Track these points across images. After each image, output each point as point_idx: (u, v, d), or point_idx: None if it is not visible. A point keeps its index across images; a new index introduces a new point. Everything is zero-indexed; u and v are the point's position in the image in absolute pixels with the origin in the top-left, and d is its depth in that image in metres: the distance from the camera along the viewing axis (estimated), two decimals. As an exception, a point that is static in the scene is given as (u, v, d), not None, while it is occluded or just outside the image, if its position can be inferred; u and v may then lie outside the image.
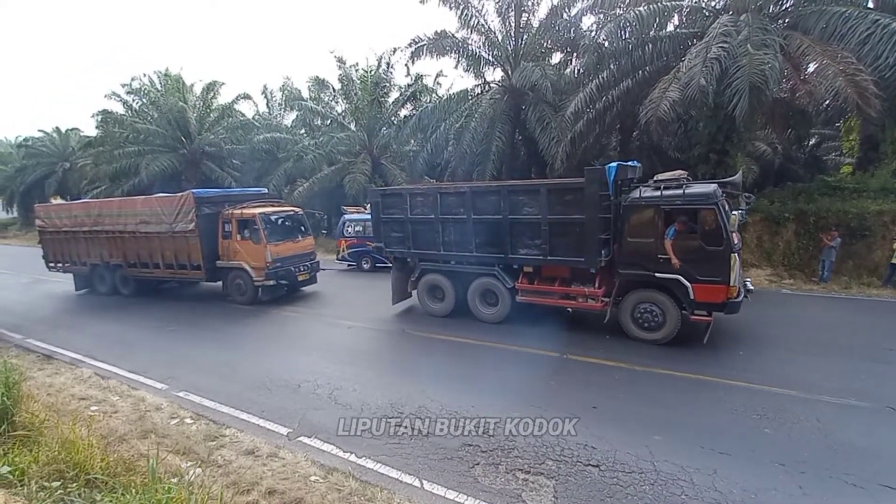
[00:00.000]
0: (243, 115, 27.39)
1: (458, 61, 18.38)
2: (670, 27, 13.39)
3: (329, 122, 24.66)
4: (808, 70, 10.62)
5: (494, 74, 18.94)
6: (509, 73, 17.65)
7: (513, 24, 17.45)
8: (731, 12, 11.67)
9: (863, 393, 5.72)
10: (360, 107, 22.42)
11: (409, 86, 22.88)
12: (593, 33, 14.01)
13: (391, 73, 22.66)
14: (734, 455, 4.58)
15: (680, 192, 7.21)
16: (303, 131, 27.23)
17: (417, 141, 21.85)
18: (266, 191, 15.42)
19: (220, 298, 12.29)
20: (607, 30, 12.53)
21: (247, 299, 11.70)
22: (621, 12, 12.56)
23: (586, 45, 13.53)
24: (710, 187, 7.24)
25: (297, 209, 13.00)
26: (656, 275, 7.38)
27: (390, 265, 10.71)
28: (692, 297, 7.16)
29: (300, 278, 12.07)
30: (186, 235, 11.60)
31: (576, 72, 15.30)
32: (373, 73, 22.77)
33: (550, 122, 15.83)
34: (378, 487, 4.25)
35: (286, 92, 28.57)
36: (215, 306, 11.91)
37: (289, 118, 29.57)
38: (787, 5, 12.14)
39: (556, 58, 18.43)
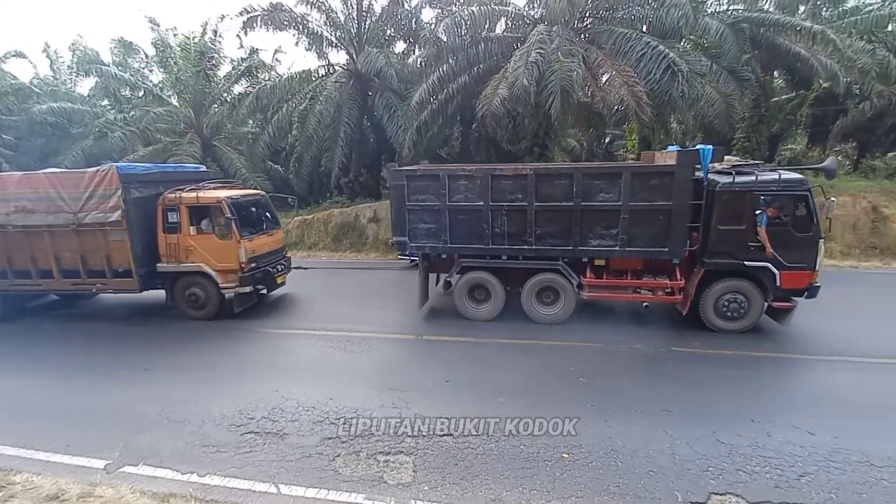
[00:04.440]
0: (15, 77, 21.40)
1: (299, 38, 17.32)
2: (499, 30, 14.70)
3: (142, 93, 20.85)
4: (603, 80, 12.82)
5: (339, 57, 18.40)
6: (354, 57, 17.32)
7: (355, 7, 17.12)
8: (546, 23, 13.34)
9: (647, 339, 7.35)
10: (182, 78, 19.41)
11: (243, 59, 20.68)
12: (433, 26, 14.59)
13: (219, 42, 20.14)
14: (558, 405, 5.42)
15: (776, 177, 7.12)
16: (106, 103, 22.52)
17: (257, 122, 20.03)
18: (205, 168, 12.05)
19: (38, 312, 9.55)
20: (445, 24, 13.19)
21: (208, 312, 8.94)
22: (457, 9, 13.33)
23: (426, 38, 14.06)
24: (799, 175, 7.33)
25: (261, 192, 10.59)
26: (745, 263, 7.18)
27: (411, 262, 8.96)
28: (779, 283, 7.08)
29: (279, 280, 9.82)
30: (105, 229, 8.48)
31: (419, 62, 15.76)
32: (197, 40, 19.92)
33: (397, 110, 16.09)
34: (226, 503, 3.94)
35: (78, 53, 23.10)
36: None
37: (84, 86, 24.06)
38: (587, 22, 14.40)
39: (400, 46, 18.70)
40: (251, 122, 20.71)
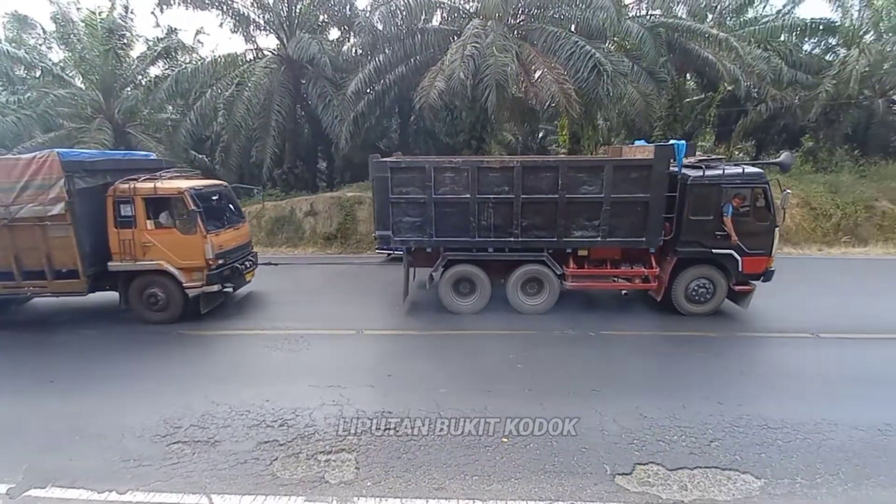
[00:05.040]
0: None
1: (223, 19, 16.22)
2: (436, 21, 14.68)
3: (39, 73, 18.51)
4: (535, 76, 13.25)
5: (268, 41, 17.59)
6: (285, 42, 16.53)
7: (283, -12, 16.32)
8: (481, 17, 13.50)
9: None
10: (87, 57, 17.46)
11: (160, 39, 18.97)
12: (367, 14, 14.26)
13: (131, 20, 18.33)
14: (498, 391, 5.61)
15: (740, 171, 7.73)
16: (-5, 83, 19.79)
17: (177, 108, 18.52)
18: (154, 155, 10.92)
19: None
20: (380, 13, 12.98)
21: (171, 314, 8.17)
22: (392, -3, 13.12)
23: (361, 25, 13.72)
24: (759, 169, 8.00)
25: (223, 183, 9.69)
26: (713, 251, 7.73)
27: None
28: (740, 269, 7.69)
29: (247, 277, 9.13)
30: (45, 224, 7.48)
31: (354, 51, 15.38)
32: (104, 16, 17.97)
33: (332, 99, 15.62)
34: (153, 518, 3.69)
35: (-38, 28, 20.02)
36: None
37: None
38: (520, 19, 14.77)
39: (335, 34, 18.12)
40: (170, 107, 19.09)
